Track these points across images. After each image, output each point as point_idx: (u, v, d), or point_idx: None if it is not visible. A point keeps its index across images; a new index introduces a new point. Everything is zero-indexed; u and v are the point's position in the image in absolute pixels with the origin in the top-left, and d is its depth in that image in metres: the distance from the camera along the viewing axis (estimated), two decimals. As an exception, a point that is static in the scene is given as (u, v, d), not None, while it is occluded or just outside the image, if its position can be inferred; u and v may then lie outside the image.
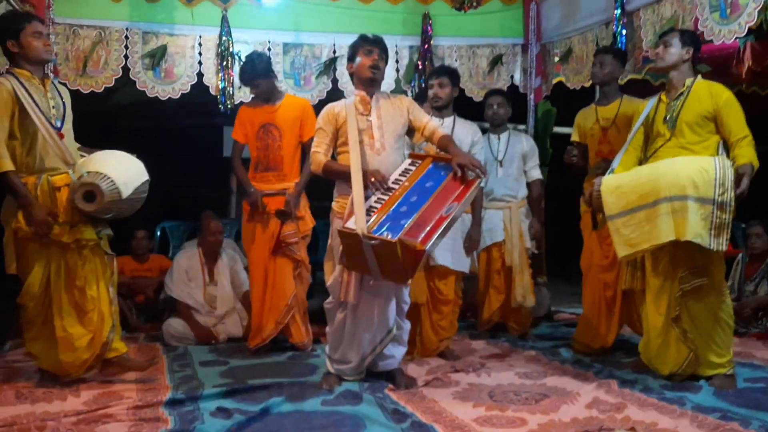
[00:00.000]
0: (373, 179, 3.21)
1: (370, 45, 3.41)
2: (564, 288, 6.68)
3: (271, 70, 4.35)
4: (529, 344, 4.52)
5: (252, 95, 4.40)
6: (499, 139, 4.73)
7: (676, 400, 3.11)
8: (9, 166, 3.22)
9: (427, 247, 2.96)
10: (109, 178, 3.27)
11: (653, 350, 3.50)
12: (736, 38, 3.69)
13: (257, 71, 4.22)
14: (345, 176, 3.27)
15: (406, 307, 3.54)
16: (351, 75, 3.52)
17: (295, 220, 4.23)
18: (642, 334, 3.73)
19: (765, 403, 3.11)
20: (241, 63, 4.36)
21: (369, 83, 3.43)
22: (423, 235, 2.98)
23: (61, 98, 3.48)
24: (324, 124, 3.43)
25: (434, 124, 3.49)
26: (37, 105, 3.29)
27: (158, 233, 6.42)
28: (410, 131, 3.53)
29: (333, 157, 3.46)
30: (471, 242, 4.14)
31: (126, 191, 3.32)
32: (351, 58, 3.47)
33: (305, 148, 4.20)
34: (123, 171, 3.37)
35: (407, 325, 3.58)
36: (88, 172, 3.27)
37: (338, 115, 3.41)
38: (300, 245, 4.28)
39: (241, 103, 4.69)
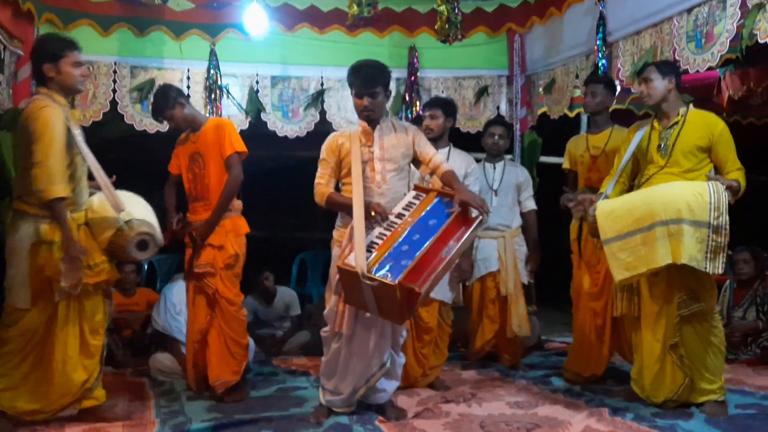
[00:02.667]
0: (373, 213, 3.19)
1: (358, 87, 3.33)
2: (554, 317, 6.66)
3: (178, 98, 4.02)
4: (520, 374, 4.50)
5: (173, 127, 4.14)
6: (494, 168, 4.73)
7: (667, 428, 3.10)
8: (62, 192, 3.04)
9: (423, 289, 2.92)
10: (156, 227, 3.25)
11: (649, 377, 3.49)
12: (709, 67, 3.77)
13: (160, 105, 4.01)
14: (347, 209, 3.24)
15: (402, 341, 3.51)
16: None
17: (213, 249, 3.89)
18: (632, 361, 3.72)
19: (756, 429, 3.11)
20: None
21: (366, 121, 3.41)
22: (422, 278, 2.95)
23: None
24: (327, 155, 3.41)
25: (440, 158, 3.44)
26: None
27: (145, 267, 6.38)
28: (416, 162, 3.49)
29: (337, 188, 3.44)
30: (461, 273, 4.14)
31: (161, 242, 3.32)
32: (350, 87, 3.43)
33: (227, 169, 3.92)
34: (155, 220, 3.36)
35: (402, 359, 3.55)
36: (138, 220, 3.20)
37: (341, 147, 3.38)
38: (216, 279, 3.87)
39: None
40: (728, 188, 3.23)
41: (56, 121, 3.09)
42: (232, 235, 3.93)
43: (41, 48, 3.30)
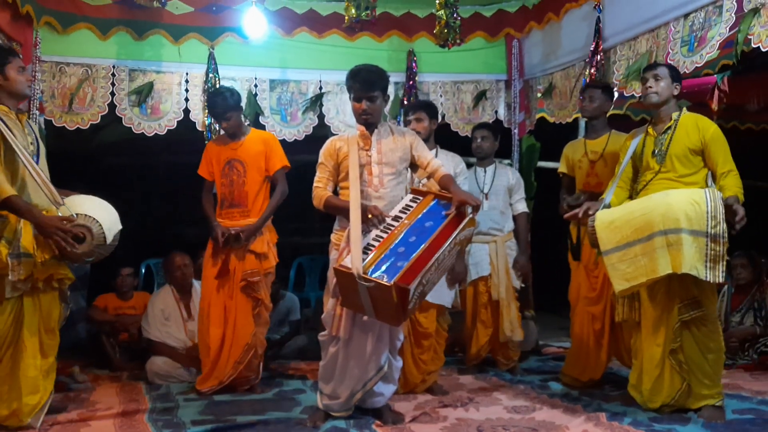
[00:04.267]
0: (370, 215, 3.19)
1: (357, 91, 3.36)
2: (552, 322, 6.66)
3: (241, 103, 4.34)
4: (518, 378, 4.49)
5: (222, 129, 4.33)
6: (485, 171, 4.75)
7: (665, 433, 3.09)
8: (10, 191, 3.11)
9: (412, 286, 2.91)
10: (98, 222, 3.28)
11: (649, 382, 3.48)
12: (706, 73, 3.79)
13: (229, 104, 4.19)
14: (345, 212, 3.25)
15: (399, 344, 3.50)
16: None
17: (257, 257, 4.16)
18: (630, 366, 3.72)
19: (754, 434, 3.10)
20: (210, 97, 4.32)
21: (364, 125, 3.43)
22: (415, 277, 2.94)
23: (35, 134, 3.39)
24: (325, 159, 3.43)
25: (438, 163, 3.46)
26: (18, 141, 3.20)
27: (143, 270, 6.37)
28: (413, 166, 3.51)
29: (336, 192, 3.45)
30: (454, 275, 4.14)
31: (110, 237, 3.34)
32: (348, 91, 3.45)
33: (273, 182, 4.27)
34: (107, 217, 3.38)
35: (399, 363, 3.54)
36: (78, 214, 3.24)
37: (339, 150, 3.40)
38: (261, 284, 4.19)
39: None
40: (735, 207, 3.18)
41: None
42: (272, 244, 4.27)
43: None
